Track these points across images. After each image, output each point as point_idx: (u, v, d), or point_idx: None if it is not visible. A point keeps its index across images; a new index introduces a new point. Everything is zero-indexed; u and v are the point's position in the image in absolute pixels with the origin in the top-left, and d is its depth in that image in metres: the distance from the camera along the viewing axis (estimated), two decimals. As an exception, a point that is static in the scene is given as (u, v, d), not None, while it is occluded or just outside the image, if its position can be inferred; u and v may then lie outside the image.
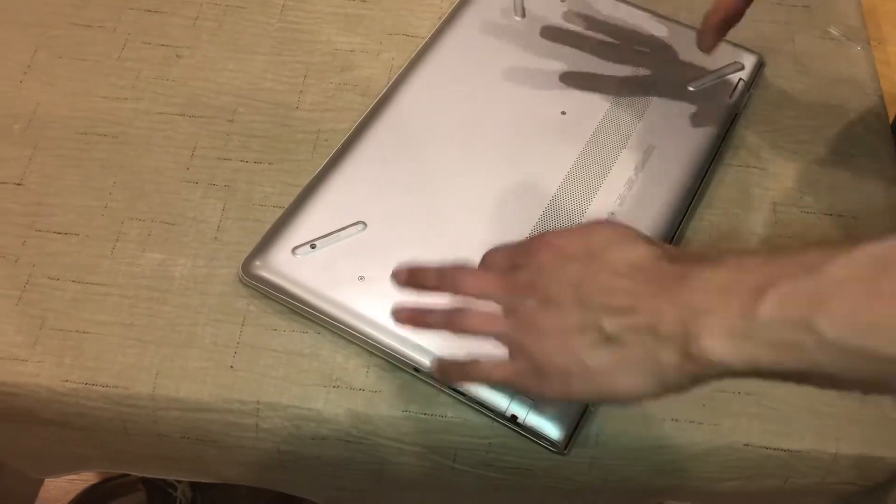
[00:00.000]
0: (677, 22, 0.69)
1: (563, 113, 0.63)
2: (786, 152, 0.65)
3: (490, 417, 0.52)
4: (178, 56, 0.67)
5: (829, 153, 0.65)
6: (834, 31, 0.72)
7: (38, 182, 0.60)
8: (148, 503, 1.06)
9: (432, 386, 0.53)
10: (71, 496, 1.07)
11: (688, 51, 0.67)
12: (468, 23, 0.68)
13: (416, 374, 0.53)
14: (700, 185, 0.62)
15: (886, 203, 0.63)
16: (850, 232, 0.61)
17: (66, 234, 0.58)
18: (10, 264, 0.57)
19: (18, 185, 0.60)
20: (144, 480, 1.03)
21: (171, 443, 0.56)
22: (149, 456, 0.59)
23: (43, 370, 0.53)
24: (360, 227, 0.57)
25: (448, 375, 0.49)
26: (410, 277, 0.45)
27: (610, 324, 0.38)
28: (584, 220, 0.58)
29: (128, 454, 0.60)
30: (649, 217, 0.59)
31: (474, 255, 0.56)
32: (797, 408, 0.54)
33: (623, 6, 0.70)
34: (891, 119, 0.70)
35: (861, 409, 0.54)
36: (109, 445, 0.58)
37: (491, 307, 0.42)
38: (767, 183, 0.63)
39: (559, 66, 0.66)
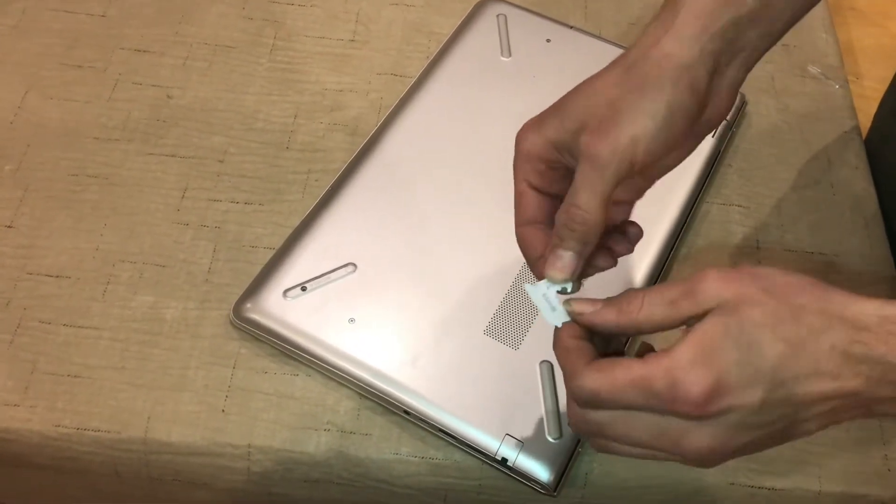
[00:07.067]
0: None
1: (550, 153, 0.64)
2: (767, 190, 0.67)
3: (480, 460, 0.53)
4: (168, 96, 0.68)
5: (810, 191, 0.67)
6: (813, 70, 0.73)
7: (29, 224, 0.61)
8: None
9: (423, 428, 0.54)
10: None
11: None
12: (456, 63, 0.69)
13: (406, 416, 0.54)
14: (685, 223, 0.63)
15: (865, 241, 0.64)
16: (831, 271, 0.63)
17: (57, 276, 0.59)
18: (2, 307, 0.57)
19: (9, 227, 0.61)
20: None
21: (162, 485, 0.56)
22: (140, 497, 0.59)
23: (35, 415, 0.54)
24: (350, 268, 0.58)
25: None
26: None
27: None
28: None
29: (119, 495, 0.60)
30: (635, 254, 0.60)
31: (463, 297, 0.57)
32: (780, 446, 0.55)
33: (605, 45, 0.71)
34: (864, 135, 0.71)
35: (843, 447, 0.55)
36: (100, 488, 0.58)
37: None
38: (749, 221, 0.65)
39: (544, 106, 0.67)
